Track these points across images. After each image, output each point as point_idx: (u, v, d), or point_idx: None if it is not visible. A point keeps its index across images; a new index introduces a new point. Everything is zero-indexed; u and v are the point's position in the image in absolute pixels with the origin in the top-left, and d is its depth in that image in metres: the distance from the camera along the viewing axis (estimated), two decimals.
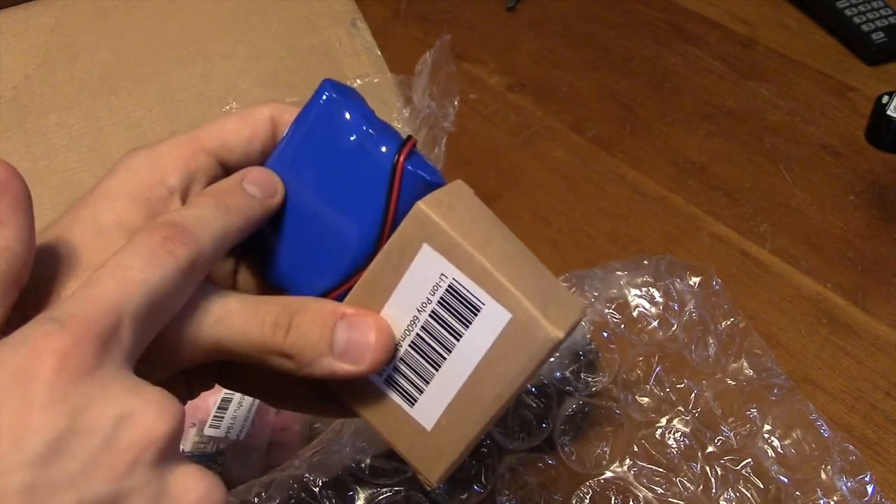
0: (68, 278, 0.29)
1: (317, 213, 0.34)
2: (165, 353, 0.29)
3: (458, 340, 0.31)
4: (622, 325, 0.53)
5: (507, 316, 0.31)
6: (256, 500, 0.43)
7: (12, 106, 0.53)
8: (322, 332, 0.31)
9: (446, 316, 0.31)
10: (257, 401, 0.49)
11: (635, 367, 0.52)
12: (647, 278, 0.54)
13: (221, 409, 0.49)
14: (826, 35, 0.83)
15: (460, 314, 0.31)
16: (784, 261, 0.62)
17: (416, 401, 0.33)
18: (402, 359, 0.32)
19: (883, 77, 0.78)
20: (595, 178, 0.70)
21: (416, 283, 0.32)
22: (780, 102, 0.76)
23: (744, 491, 0.47)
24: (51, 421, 0.23)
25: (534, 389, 0.50)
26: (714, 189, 0.68)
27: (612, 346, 0.52)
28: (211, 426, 0.49)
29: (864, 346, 0.56)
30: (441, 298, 0.31)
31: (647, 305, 0.53)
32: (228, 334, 0.30)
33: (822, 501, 0.46)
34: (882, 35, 0.78)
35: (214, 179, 0.34)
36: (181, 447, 0.32)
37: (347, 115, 0.33)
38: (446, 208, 0.32)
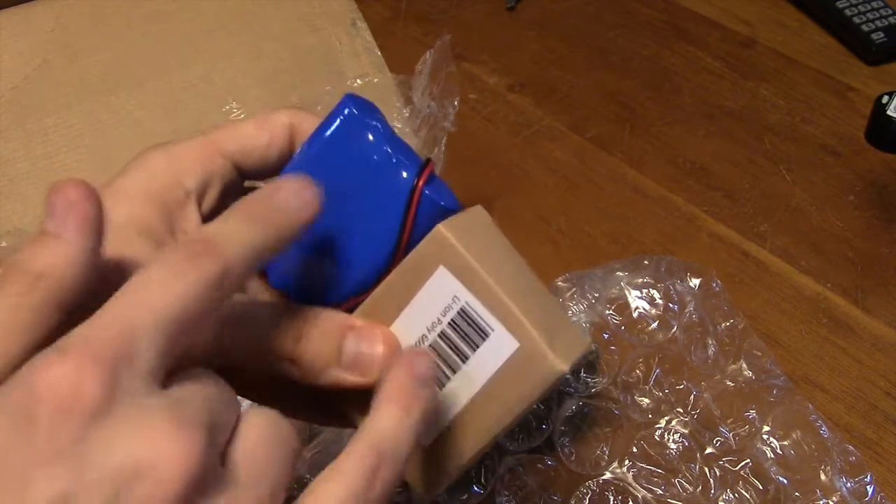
0: None
1: (330, 226, 0.34)
2: None
3: (463, 363, 0.32)
4: (622, 327, 0.53)
5: (514, 344, 0.31)
6: None
7: (12, 106, 0.53)
8: (332, 343, 0.31)
9: (455, 337, 0.32)
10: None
11: (635, 368, 0.52)
12: (647, 279, 0.54)
13: None
14: (826, 35, 0.83)
15: (469, 337, 0.32)
16: (784, 261, 0.62)
17: None
18: None
19: (883, 77, 0.77)
20: (595, 178, 0.70)
21: (427, 302, 0.32)
22: (780, 102, 0.76)
23: (742, 492, 0.47)
24: (52, 481, 0.21)
25: None
26: (714, 189, 0.68)
27: (612, 347, 0.52)
28: None
29: (864, 346, 0.56)
30: (451, 320, 0.32)
31: (647, 307, 0.53)
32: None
33: (821, 502, 0.46)
34: (882, 35, 0.78)
35: (231, 184, 0.34)
36: None
37: (370, 136, 0.34)
38: (465, 232, 0.32)
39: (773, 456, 0.48)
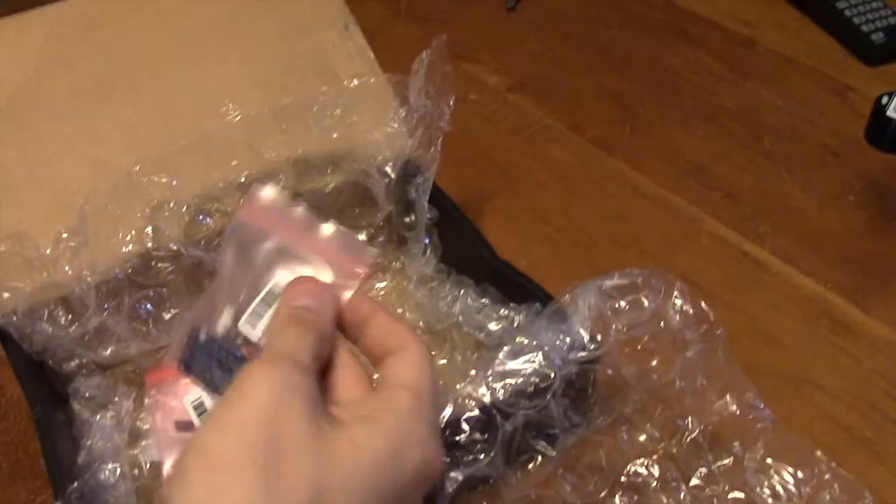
0: None
1: None
2: None
3: None
4: (616, 358, 0.52)
5: None
6: None
7: (7, 115, 0.53)
8: None
9: None
10: None
11: (626, 401, 0.51)
12: (638, 297, 0.53)
13: (198, 410, 0.46)
14: (825, 35, 0.83)
15: None
16: (784, 261, 0.62)
17: None
18: None
19: (883, 77, 0.77)
20: (595, 178, 0.70)
21: None
22: (780, 102, 0.76)
23: None
24: None
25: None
26: (714, 189, 0.68)
27: (605, 378, 0.52)
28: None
29: (863, 346, 0.56)
30: None
31: (641, 337, 0.52)
32: None
33: None
34: (882, 35, 0.78)
35: None
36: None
37: None
38: None
39: (762, 488, 0.47)
